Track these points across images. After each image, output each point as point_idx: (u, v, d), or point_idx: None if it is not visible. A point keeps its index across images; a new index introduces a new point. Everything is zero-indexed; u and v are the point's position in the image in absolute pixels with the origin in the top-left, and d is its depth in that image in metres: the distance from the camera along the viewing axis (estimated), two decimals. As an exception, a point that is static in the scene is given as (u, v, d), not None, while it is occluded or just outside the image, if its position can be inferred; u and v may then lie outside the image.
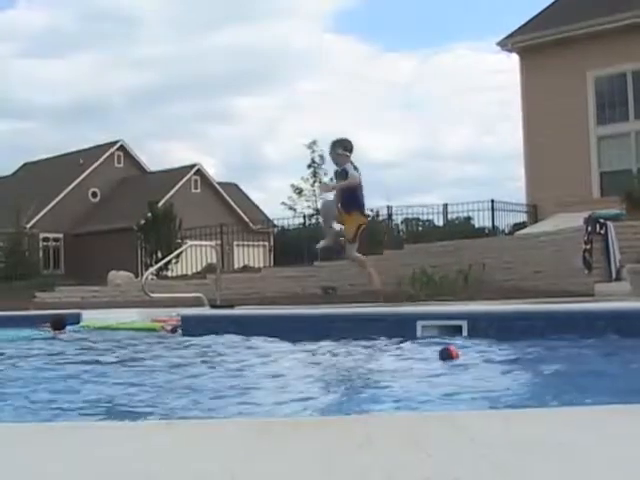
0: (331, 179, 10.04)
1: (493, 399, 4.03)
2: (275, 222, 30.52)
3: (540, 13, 22.63)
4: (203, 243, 21.59)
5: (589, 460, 1.85)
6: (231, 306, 10.96)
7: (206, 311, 10.76)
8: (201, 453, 1.98)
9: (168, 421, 3.42)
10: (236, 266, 27.83)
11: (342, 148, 9.99)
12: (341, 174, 9.99)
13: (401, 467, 1.81)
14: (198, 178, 45.77)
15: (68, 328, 9.80)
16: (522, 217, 22.25)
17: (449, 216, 23.21)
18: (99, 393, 4.64)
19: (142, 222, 29.58)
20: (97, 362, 6.53)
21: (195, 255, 25.52)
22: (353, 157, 10.05)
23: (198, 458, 1.93)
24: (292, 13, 75.73)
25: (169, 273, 24.93)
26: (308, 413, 3.79)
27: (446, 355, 5.57)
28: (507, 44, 22.17)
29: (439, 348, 5.76)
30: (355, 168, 9.98)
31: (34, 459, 1.98)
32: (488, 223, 21.95)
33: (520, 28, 22.26)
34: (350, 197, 10.02)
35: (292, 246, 27.07)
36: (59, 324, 9.87)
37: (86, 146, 48.37)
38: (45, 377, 5.47)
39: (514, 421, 2.34)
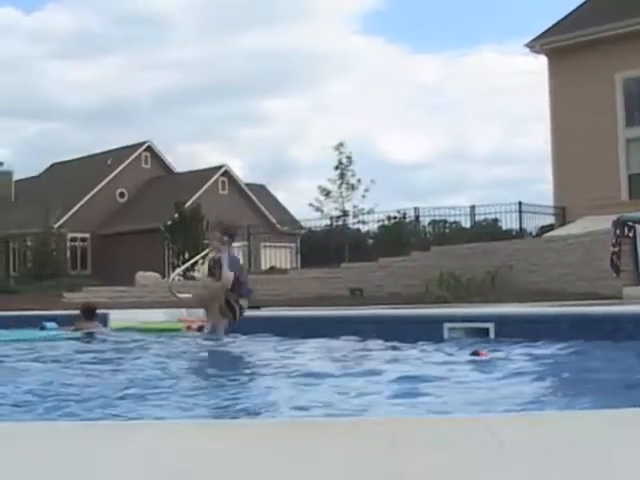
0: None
1: (521, 402, 4.03)
2: (302, 224, 30.55)
3: (568, 15, 22.50)
4: (230, 244, 21.61)
5: (618, 462, 1.85)
6: (258, 307, 10.99)
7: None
8: (232, 453, 2.00)
9: (200, 420, 3.45)
10: (263, 267, 27.87)
11: (221, 232, 8.82)
12: (217, 263, 8.74)
13: (431, 470, 1.83)
14: (225, 179, 45.79)
15: (96, 324, 9.51)
16: (550, 219, 22.12)
17: (476, 218, 23.14)
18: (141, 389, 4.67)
19: (169, 223, 29.68)
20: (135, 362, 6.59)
21: (222, 256, 25.51)
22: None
23: (230, 458, 1.96)
24: (320, 15, 75.65)
25: (196, 274, 24.98)
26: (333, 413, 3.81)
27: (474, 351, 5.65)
28: (535, 46, 22.06)
29: (466, 349, 5.78)
30: (233, 259, 8.92)
31: (69, 455, 2.01)
32: (515, 225, 21.88)
33: (548, 30, 22.15)
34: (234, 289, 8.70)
35: (319, 247, 27.12)
36: (90, 312, 9.36)
37: (114, 147, 48.60)
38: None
39: (542, 424, 2.35)
